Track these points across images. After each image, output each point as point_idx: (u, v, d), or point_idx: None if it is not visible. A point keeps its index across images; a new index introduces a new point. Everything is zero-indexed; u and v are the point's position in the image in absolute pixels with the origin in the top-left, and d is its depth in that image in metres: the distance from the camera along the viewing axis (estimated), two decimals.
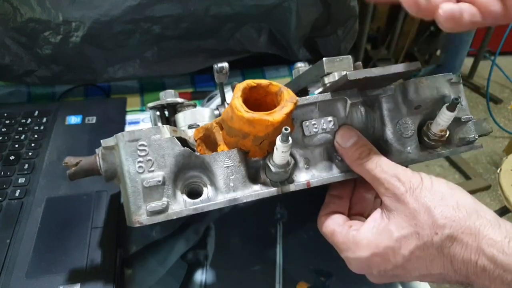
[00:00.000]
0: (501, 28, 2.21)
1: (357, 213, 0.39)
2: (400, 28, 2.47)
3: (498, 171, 1.21)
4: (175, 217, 0.32)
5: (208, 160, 0.34)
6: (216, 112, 0.45)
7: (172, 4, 0.65)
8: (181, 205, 0.33)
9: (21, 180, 0.52)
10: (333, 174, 0.37)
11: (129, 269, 0.46)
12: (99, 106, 0.67)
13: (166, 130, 0.33)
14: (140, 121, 0.69)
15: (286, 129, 0.29)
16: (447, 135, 0.39)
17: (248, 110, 0.30)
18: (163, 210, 0.32)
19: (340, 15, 0.80)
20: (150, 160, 0.32)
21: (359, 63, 0.42)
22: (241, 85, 0.32)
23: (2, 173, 0.53)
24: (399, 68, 0.34)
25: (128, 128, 0.67)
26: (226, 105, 0.45)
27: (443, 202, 0.30)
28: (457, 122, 0.40)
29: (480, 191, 1.93)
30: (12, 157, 0.55)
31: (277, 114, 0.31)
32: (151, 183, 0.32)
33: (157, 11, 0.65)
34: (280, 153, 0.31)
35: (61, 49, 0.64)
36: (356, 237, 0.34)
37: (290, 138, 0.30)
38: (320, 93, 0.37)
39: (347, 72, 0.32)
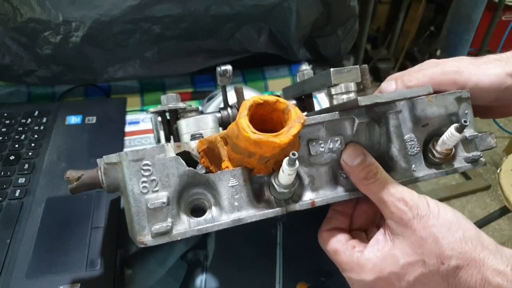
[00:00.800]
0: (501, 28, 2.21)
1: (358, 227, 0.40)
2: (400, 28, 2.47)
3: (498, 171, 1.21)
4: (179, 238, 0.32)
5: (213, 179, 0.33)
6: (218, 115, 0.44)
7: (172, 4, 0.65)
8: (185, 225, 0.32)
9: (21, 180, 0.52)
10: (338, 193, 0.36)
11: (129, 269, 0.46)
12: (99, 106, 0.67)
13: (170, 148, 0.33)
14: (140, 121, 0.69)
15: (293, 154, 0.29)
16: (452, 153, 0.39)
17: (255, 131, 0.30)
18: (168, 232, 0.31)
19: (340, 15, 0.80)
20: (154, 180, 0.32)
21: (365, 66, 0.42)
22: (247, 103, 0.31)
23: (2, 173, 0.53)
24: (409, 93, 0.33)
25: (128, 127, 0.67)
26: (229, 109, 0.45)
27: (450, 233, 0.30)
28: (462, 140, 0.40)
29: (480, 191, 1.93)
30: (12, 157, 0.55)
31: (284, 136, 0.30)
32: (155, 205, 0.31)
33: (157, 11, 0.65)
34: (286, 175, 0.31)
35: (61, 49, 0.64)
36: (360, 259, 0.34)
37: (297, 162, 0.30)
38: (327, 111, 0.36)
39: (358, 98, 0.31)
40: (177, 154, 0.33)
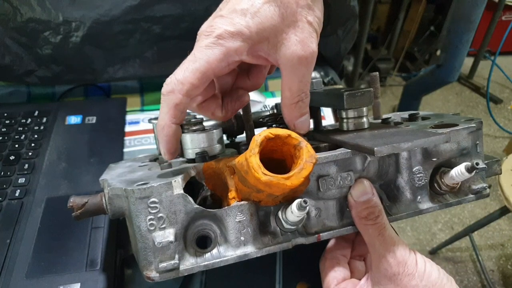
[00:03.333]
0: (501, 28, 2.21)
1: (358, 254, 0.41)
2: (400, 28, 2.47)
3: None
4: (186, 274, 0.32)
5: (220, 214, 0.33)
6: (223, 125, 0.44)
7: (172, 4, 0.65)
8: (191, 261, 0.32)
9: (21, 180, 0.52)
10: (343, 225, 0.36)
11: (129, 269, 0.46)
12: (99, 106, 0.67)
13: (178, 184, 0.32)
14: (140, 121, 0.69)
15: (305, 202, 0.29)
16: (458, 186, 0.38)
17: (266, 172, 0.28)
18: (174, 269, 0.31)
19: (340, 15, 0.80)
20: (161, 217, 0.31)
21: (376, 74, 0.41)
22: (258, 139, 0.29)
23: (2, 173, 0.53)
24: (425, 143, 0.32)
25: (128, 127, 0.67)
26: (233, 118, 0.44)
27: None
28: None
29: None
30: (12, 157, 0.55)
31: (295, 179, 0.29)
32: (163, 244, 0.31)
33: (157, 11, 0.65)
34: (295, 216, 0.31)
35: (61, 49, 0.64)
36: None
37: (307, 208, 0.30)
38: (339, 144, 0.36)
39: (375, 149, 0.30)
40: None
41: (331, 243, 0.41)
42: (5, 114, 0.62)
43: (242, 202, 0.33)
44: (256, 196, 0.33)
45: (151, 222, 0.31)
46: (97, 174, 0.43)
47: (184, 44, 0.71)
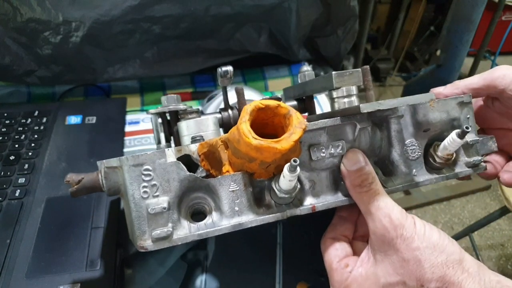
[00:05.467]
0: (501, 28, 2.21)
1: (361, 235, 0.40)
2: (400, 28, 2.47)
3: None
4: (179, 243, 0.32)
5: (214, 184, 0.33)
6: (219, 116, 0.44)
7: (172, 4, 0.65)
8: (185, 230, 0.32)
9: (21, 180, 0.52)
10: (338, 197, 0.36)
11: (129, 269, 0.46)
12: (99, 106, 0.67)
13: (171, 153, 0.33)
14: (140, 121, 0.69)
15: (295, 161, 0.29)
16: (453, 158, 0.38)
17: (256, 137, 0.29)
18: (168, 237, 0.31)
19: (340, 15, 0.80)
20: (155, 185, 0.32)
21: (367, 67, 0.41)
22: (249, 108, 0.30)
23: (2, 173, 0.53)
24: (411, 100, 0.33)
25: (128, 127, 0.67)
26: (229, 110, 0.45)
27: (433, 256, 0.30)
28: (464, 144, 0.40)
29: (480, 191, 1.93)
30: (12, 157, 0.55)
31: (286, 142, 0.30)
32: (156, 210, 0.31)
33: (157, 11, 0.65)
34: (287, 181, 0.31)
35: (61, 49, 0.64)
36: (348, 280, 0.34)
37: (298, 168, 0.30)
38: (328, 116, 0.36)
39: (360, 105, 0.31)
40: (178, 158, 0.33)
41: (332, 223, 0.40)
42: (5, 114, 0.62)
43: (236, 173, 0.34)
44: (249, 166, 0.33)
45: (145, 189, 0.32)
46: None
47: (184, 44, 0.71)
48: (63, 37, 0.63)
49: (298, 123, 0.31)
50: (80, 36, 0.63)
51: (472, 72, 2.67)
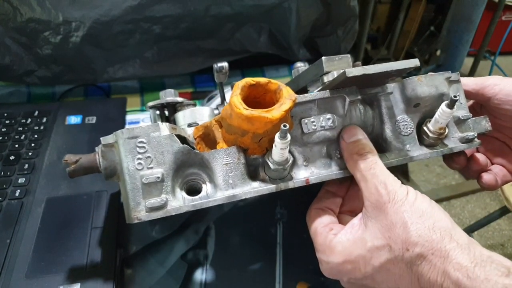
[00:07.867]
0: (501, 28, 2.21)
1: (348, 210, 0.39)
2: (400, 28, 2.47)
3: None
4: (174, 213, 0.32)
5: (207, 157, 0.34)
6: (216, 111, 0.45)
7: (172, 4, 0.65)
8: (180, 201, 0.33)
9: (21, 180, 0.52)
10: (332, 171, 0.37)
11: (129, 269, 0.46)
12: (99, 106, 0.67)
13: (165, 127, 0.34)
14: (140, 121, 0.69)
15: (284, 126, 0.29)
16: (446, 132, 0.39)
17: (247, 108, 0.31)
18: (162, 207, 0.32)
19: (340, 15, 0.80)
20: (149, 157, 0.33)
21: (359, 63, 0.42)
22: (240, 83, 0.32)
23: (2, 173, 0.53)
24: (397, 65, 0.34)
25: (128, 127, 0.67)
26: (226, 104, 0.45)
27: (420, 220, 0.30)
28: (456, 120, 0.41)
29: (480, 191, 1.93)
30: (12, 157, 0.55)
31: (276, 111, 0.31)
32: (150, 180, 0.32)
33: (157, 11, 0.65)
34: (278, 150, 0.31)
35: (61, 49, 0.64)
36: (333, 241, 0.34)
37: (288, 135, 0.30)
38: (319, 91, 0.37)
39: (346, 70, 0.32)
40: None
41: (318, 196, 0.40)
42: (5, 114, 0.62)
43: (229, 147, 0.34)
44: (241, 141, 0.34)
45: (139, 161, 0.32)
46: (97, 174, 0.43)
47: (184, 44, 0.71)
48: (63, 37, 0.63)
49: (288, 95, 0.32)
50: (80, 36, 0.63)
51: (472, 72, 2.68)
